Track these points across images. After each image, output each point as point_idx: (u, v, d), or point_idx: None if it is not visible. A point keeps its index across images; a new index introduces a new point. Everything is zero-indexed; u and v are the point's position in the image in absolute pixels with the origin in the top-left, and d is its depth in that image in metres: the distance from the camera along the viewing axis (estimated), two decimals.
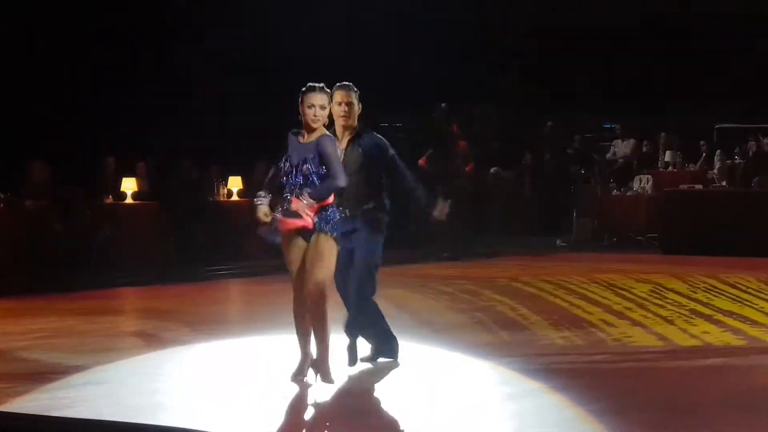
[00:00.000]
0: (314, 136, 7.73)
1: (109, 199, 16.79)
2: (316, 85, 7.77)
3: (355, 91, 8.26)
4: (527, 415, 7.09)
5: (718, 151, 20.49)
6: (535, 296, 13.19)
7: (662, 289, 13.57)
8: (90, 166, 17.71)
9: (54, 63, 18.83)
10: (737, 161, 20.58)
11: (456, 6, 21.88)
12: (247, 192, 18.31)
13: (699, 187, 19.55)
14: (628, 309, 11.88)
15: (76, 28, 19.10)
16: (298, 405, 7.42)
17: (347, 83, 8.28)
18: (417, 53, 20.71)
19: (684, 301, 12.52)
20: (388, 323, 8.57)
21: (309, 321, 7.76)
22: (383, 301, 8.85)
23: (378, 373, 8.36)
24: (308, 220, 7.62)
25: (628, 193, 20.42)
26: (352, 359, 8.44)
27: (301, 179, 7.70)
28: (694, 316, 11.29)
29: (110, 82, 18.97)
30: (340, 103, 8.18)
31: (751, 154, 20.43)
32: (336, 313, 8.09)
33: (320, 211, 7.67)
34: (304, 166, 7.69)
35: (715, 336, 10.11)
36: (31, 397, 7.71)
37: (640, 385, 8.05)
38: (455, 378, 8.36)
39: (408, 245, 17.54)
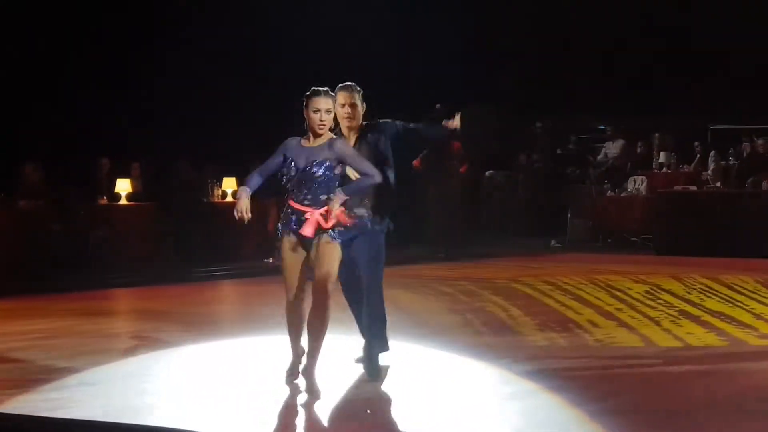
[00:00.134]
0: (323, 139, 7.65)
1: (104, 200, 16.79)
2: (321, 89, 7.66)
3: (359, 91, 8.13)
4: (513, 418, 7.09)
5: (713, 152, 20.51)
6: (529, 297, 13.21)
7: (658, 290, 13.59)
8: (84, 167, 17.70)
9: (48, 64, 18.81)
10: (731, 162, 20.59)
11: (455, 6, 21.88)
12: None
13: (693, 188, 19.58)
14: (619, 310, 11.90)
15: (71, 29, 19.08)
16: (294, 406, 7.41)
17: (350, 84, 8.15)
18: (415, 53, 20.73)
19: (676, 302, 12.54)
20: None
21: (308, 322, 7.67)
22: None
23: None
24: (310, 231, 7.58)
25: (622, 194, 20.45)
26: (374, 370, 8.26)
27: (310, 182, 7.61)
28: (681, 317, 11.31)
29: (104, 82, 18.95)
30: (343, 105, 8.05)
31: (745, 155, 20.45)
32: (338, 313, 8.10)
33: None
34: (314, 170, 7.59)
35: (698, 337, 10.12)
36: (25, 398, 7.70)
37: (612, 387, 8.03)
38: (440, 378, 8.37)
39: (404, 245, 17.54)
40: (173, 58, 19.42)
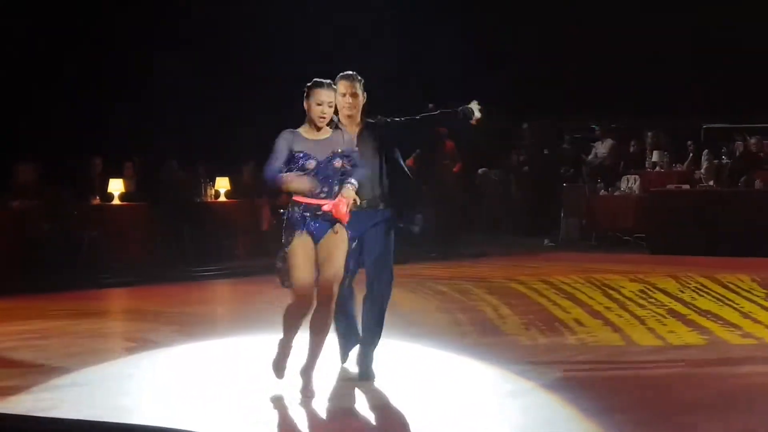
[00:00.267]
0: (329, 130, 7.56)
1: (97, 200, 16.76)
2: (324, 81, 7.52)
3: (360, 81, 7.97)
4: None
5: (705, 151, 20.52)
6: (524, 296, 13.23)
7: (652, 288, 13.61)
8: (77, 166, 17.67)
9: (42, 64, 18.79)
10: (724, 161, 20.61)
11: (446, 5, 21.89)
12: (235, 193, 18.31)
13: (686, 187, 19.60)
14: (608, 309, 11.93)
15: (65, 29, 19.06)
16: (288, 406, 7.39)
17: (351, 73, 7.99)
18: (407, 53, 20.73)
19: (667, 300, 12.56)
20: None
21: (311, 322, 7.58)
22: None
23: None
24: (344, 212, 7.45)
25: (615, 193, 20.46)
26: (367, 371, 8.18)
27: (331, 175, 7.50)
28: (668, 316, 11.33)
29: (98, 82, 18.93)
30: (344, 94, 7.88)
31: (738, 154, 20.47)
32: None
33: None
34: (335, 161, 7.47)
35: (679, 336, 10.14)
36: (17, 399, 7.69)
37: (584, 386, 8.02)
38: (430, 377, 8.38)
39: (397, 244, 17.52)
40: (167, 58, 19.40)
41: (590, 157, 21.89)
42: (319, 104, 7.46)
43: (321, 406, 7.35)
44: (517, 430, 6.85)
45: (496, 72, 22.99)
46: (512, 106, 22.69)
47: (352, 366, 8.29)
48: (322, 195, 7.48)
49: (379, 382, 7.99)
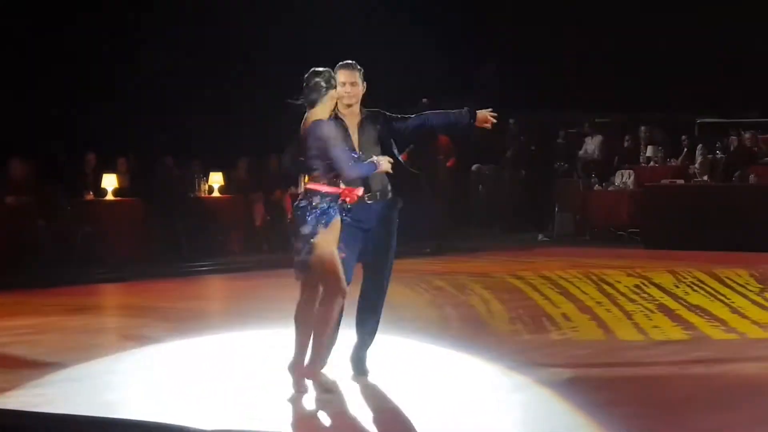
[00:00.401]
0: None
1: (90, 196, 16.75)
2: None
3: (359, 70, 7.88)
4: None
5: (700, 146, 20.53)
6: (518, 291, 13.26)
7: (648, 283, 13.63)
8: (70, 162, 17.66)
9: (36, 59, 18.76)
10: (718, 156, 20.62)
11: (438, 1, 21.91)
12: (228, 188, 18.30)
13: (680, 181, 19.61)
14: (599, 304, 11.95)
15: (58, 25, 19.03)
16: (286, 402, 7.37)
17: (350, 62, 7.89)
18: (399, 47, 20.72)
19: (659, 295, 12.58)
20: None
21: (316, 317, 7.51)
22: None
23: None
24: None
25: (610, 188, 20.46)
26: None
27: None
28: (656, 311, 11.35)
29: (91, 77, 18.90)
30: (344, 83, 7.76)
31: (732, 148, 20.49)
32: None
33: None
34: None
35: (663, 331, 10.15)
36: (10, 394, 7.67)
37: (565, 383, 7.99)
38: (412, 371, 8.41)
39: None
40: (160, 53, 19.38)
41: (581, 152, 21.89)
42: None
43: (318, 402, 7.33)
44: (495, 425, 6.86)
45: (489, 66, 23.05)
46: (506, 102, 22.72)
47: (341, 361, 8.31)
48: (342, 183, 7.49)
49: (372, 378, 7.98)
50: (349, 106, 7.88)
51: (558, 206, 20.89)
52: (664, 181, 19.64)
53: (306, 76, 7.44)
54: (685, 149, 21.08)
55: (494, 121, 8.02)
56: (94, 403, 7.38)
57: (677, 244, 17.84)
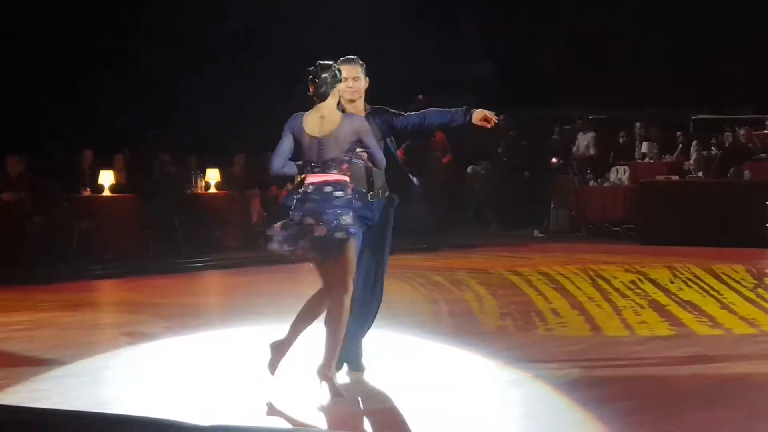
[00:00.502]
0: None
1: (87, 192, 16.76)
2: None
3: (361, 65, 7.88)
4: None
5: (695, 142, 20.55)
6: (515, 287, 13.28)
7: (644, 279, 13.67)
8: (67, 158, 17.68)
9: (32, 55, 18.77)
10: (713, 152, 20.66)
11: None
12: (225, 184, 18.32)
13: (675, 177, 19.64)
14: (591, 299, 12.01)
15: (55, 20, 19.04)
16: (286, 397, 7.40)
17: (352, 57, 7.89)
18: (394, 44, 20.75)
19: (653, 291, 12.63)
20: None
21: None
22: None
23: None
24: None
25: (605, 185, 20.49)
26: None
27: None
28: (646, 307, 11.40)
29: (88, 74, 18.92)
30: (345, 79, 7.71)
31: (727, 144, 20.52)
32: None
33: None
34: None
35: (649, 326, 10.21)
36: (7, 390, 7.70)
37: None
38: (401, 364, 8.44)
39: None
40: (158, 50, 19.41)
41: (574, 149, 21.92)
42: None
43: (313, 396, 7.36)
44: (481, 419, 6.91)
45: (486, 63, 23.08)
46: (500, 98, 22.75)
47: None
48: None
49: (366, 373, 8.01)
50: (352, 101, 7.86)
51: (553, 202, 20.91)
52: (659, 177, 19.65)
53: (312, 69, 7.38)
54: (680, 145, 21.10)
55: (495, 119, 7.99)
56: (91, 398, 7.42)
57: (672, 240, 17.88)
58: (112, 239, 16.50)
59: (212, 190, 18.15)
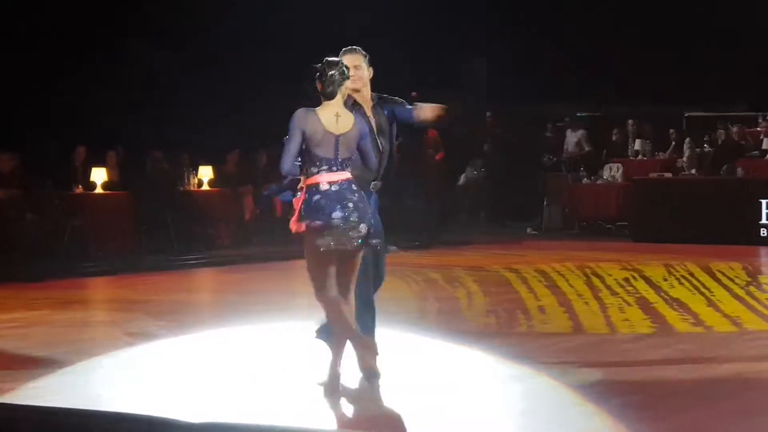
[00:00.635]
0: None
1: (79, 189, 16.74)
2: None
3: (364, 55, 7.83)
4: None
5: (688, 139, 20.56)
6: (508, 284, 13.28)
7: (637, 276, 13.67)
8: (60, 155, 17.64)
9: (24, 52, 18.73)
10: (706, 149, 20.67)
11: None
12: (218, 181, 18.30)
13: (669, 175, 19.65)
14: (580, 296, 12.04)
15: (46, 17, 19.00)
16: (287, 395, 7.40)
17: (355, 47, 7.84)
18: (387, 40, 20.72)
19: (644, 288, 12.62)
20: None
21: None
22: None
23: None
24: None
25: (598, 182, 20.49)
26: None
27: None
28: (633, 305, 11.40)
29: (80, 71, 18.88)
30: (348, 68, 7.56)
31: (720, 142, 20.53)
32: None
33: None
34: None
35: (631, 324, 10.23)
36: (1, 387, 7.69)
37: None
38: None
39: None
40: (150, 47, 19.36)
41: (565, 147, 21.92)
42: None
43: (308, 393, 7.34)
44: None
45: (479, 60, 23.06)
46: (492, 95, 22.75)
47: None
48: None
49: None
50: (357, 90, 7.79)
51: (546, 200, 20.92)
52: (652, 175, 19.67)
53: (320, 66, 7.31)
54: (673, 143, 21.12)
55: (442, 113, 7.96)
56: (85, 397, 7.41)
57: (665, 238, 17.90)
58: (105, 236, 16.48)
59: (205, 187, 18.12)
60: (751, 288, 12.65)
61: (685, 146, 20.39)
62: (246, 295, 12.75)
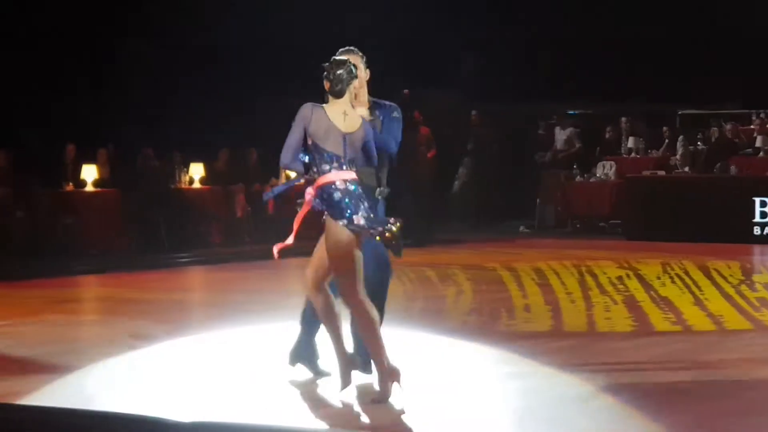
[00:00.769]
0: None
1: (70, 187, 16.69)
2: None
3: (361, 56, 7.68)
4: None
5: (681, 137, 20.55)
6: (500, 283, 13.25)
7: (632, 275, 13.66)
8: (50, 153, 17.58)
9: (14, 50, 18.67)
10: (700, 147, 20.65)
11: None
12: (209, 179, 18.25)
13: (662, 172, 19.64)
14: (569, 295, 12.06)
15: (36, 17, 18.94)
16: (289, 393, 7.36)
17: (351, 48, 7.68)
18: (380, 38, 20.68)
19: (634, 287, 12.63)
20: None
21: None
22: None
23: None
24: None
25: (591, 180, 20.47)
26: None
27: None
28: (619, 303, 11.41)
29: (70, 68, 18.83)
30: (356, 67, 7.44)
31: (713, 139, 20.52)
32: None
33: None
34: None
35: (612, 322, 10.25)
36: None
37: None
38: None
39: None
40: (140, 46, 19.30)
41: (554, 144, 21.90)
42: None
43: (300, 392, 7.31)
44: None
45: (470, 58, 23.03)
46: (484, 93, 22.70)
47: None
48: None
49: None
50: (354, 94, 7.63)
51: (539, 198, 20.90)
52: (646, 173, 19.66)
53: (327, 65, 7.20)
54: (666, 140, 21.10)
55: None
56: (75, 395, 7.37)
57: (658, 236, 17.88)
58: (95, 234, 16.43)
59: (196, 185, 18.07)
60: (743, 287, 12.63)
61: (679, 144, 20.37)
62: (241, 295, 12.71)
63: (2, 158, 15.98)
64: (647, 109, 22.33)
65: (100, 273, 14.83)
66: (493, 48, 22.78)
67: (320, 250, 7.22)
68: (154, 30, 19.46)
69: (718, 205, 17.94)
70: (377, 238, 7.02)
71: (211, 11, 20.04)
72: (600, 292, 12.20)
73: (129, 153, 18.26)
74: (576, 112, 23.22)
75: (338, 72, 7.16)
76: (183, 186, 17.92)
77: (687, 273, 13.80)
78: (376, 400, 7.01)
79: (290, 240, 7.18)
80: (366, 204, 7.03)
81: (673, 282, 13.04)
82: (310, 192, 7.09)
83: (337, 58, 7.30)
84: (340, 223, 6.94)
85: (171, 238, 17.04)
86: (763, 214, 17.72)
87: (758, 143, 20.00)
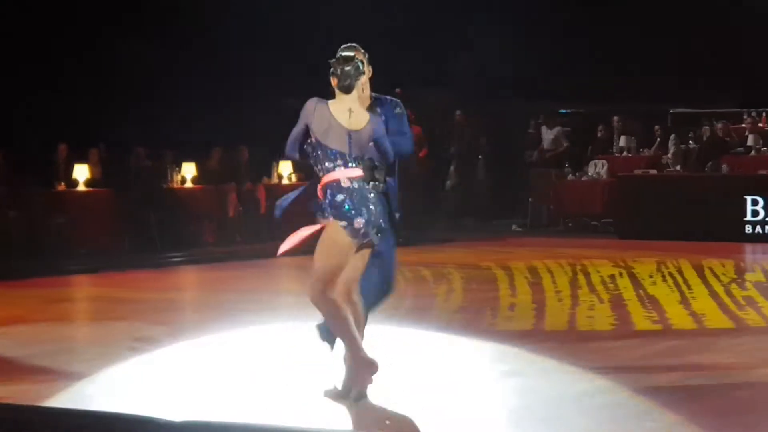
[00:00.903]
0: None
1: (62, 186, 16.68)
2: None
3: (363, 53, 7.51)
4: None
5: (673, 136, 20.57)
6: (492, 282, 13.26)
7: (625, 274, 13.68)
8: (42, 152, 17.57)
9: (5, 49, 18.65)
10: (691, 146, 20.68)
11: None
12: (201, 178, 18.25)
13: (653, 171, 19.66)
14: (558, 293, 12.08)
15: (28, 16, 18.93)
16: (284, 397, 7.36)
17: (353, 44, 7.52)
18: (373, 38, 20.67)
19: (623, 286, 12.64)
20: None
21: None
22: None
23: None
24: None
25: (583, 178, 20.49)
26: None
27: None
28: (605, 302, 11.43)
29: (63, 68, 18.82)
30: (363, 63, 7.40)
31: (705, 138, 20.55)
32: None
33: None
34: None
35: (594, 321, 10.30)
36: None
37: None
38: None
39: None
40: (132, 44, 19.29)
41: (541, 144, 21.91)
42: None
43: (311, 392, 7.31)
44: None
45: (463, 57, 23.04)
46: (477, 92, 22.72)
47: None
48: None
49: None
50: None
51: (531, 197, 20.92)
52: (637, 171, 19.68)
53: (334, 61, 7.16)
54: (658, 139, 21.13)
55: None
56: (67, 394, 7.38)
57: (650, 234, 17.90)
58: (88, 234, 16.41)
59: (188, 184, 18.06)
60: (732, 286, 12.62)
61: (670, 143, 20.40)
62: (234, 294, 12.69)
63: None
64: (639, 108, 22.35)
65: (93, 273, 14.81)
66: (484, 46, 22.79)
67: (335, 257, 7.03)
68: (147, 29, 19.46)
69: (709, 204, 17.95)
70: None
71: (206, 10, 20.05)
72: (589, 291, 12.22)
73: (121, 152, 18.26)
74: (568, 111, 23.23)
75: (346, 68, 7.12)
76: (175, 185, 17.91)
77: (680, 271, 13.81)
78: (356, 397, 7.01)
79: (291, 243, 7.15)
80: (370, 204, 6.99)
81: (664, 280, 13.05)
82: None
83: (344, 54, 7.23)
84: (341, 224, 6.94)
85: (163, 238, 17.03)
86: (754, 213, 17.75)
87: (749, 142, 20.04)
